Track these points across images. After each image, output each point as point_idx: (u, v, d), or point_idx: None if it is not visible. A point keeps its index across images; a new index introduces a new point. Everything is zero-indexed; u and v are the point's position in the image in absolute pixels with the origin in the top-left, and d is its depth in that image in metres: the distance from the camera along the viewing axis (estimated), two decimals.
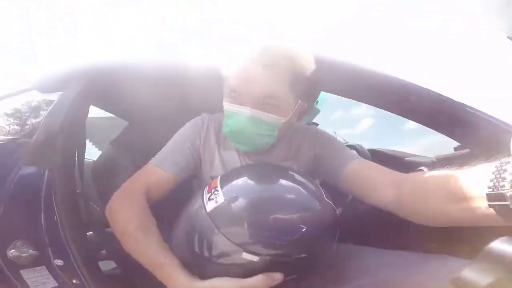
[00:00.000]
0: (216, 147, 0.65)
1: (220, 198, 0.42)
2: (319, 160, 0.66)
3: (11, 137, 0.79)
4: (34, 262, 0.56)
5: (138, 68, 0.79)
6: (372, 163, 0.60)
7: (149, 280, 0.47)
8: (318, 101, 1.40)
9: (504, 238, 0.21)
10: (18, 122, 0.97)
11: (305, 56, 0.55)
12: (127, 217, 0.52)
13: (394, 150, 1.18)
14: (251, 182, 0.47)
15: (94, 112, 1.06)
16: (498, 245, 0.21)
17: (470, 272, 0.22)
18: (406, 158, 1.07)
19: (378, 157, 1.21)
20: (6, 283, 0.56)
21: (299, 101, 0.59)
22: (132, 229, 0.50)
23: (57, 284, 0.57)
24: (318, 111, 1.63)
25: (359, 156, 0.64)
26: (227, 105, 0.56)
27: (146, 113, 1.06)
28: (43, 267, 0.55)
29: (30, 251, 0.55)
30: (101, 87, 0.85)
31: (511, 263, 0.20)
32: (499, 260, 0.21)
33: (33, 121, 0.93)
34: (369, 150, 1.29)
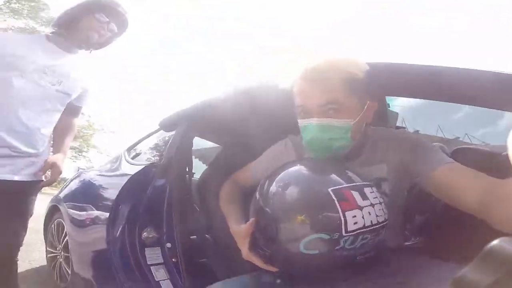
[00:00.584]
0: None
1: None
2: (407, 164, 0.65)
3: (150, 163, 1.22)
4: (154, 243, 0.86)
5: (225, 104, 1.04)
6: (462, 167, 0.58)
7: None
8: (389, 105, 1.36)
9: (504, 238, 0.22)
10: (156, 152, 1.46)
11: (350, 62, 0.61)
12: (224, 188, 0.84)
13: (487, 145, 1.02)
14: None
15: (197, 141, 1.44)
16: (498, 245, 0.21)
17: (470, 272, 0.22)
18: (503, 153, 0.91)
19: (471, 155, 1.05)
20: (134, 255, 0.89)
21: (368, 102, 0.62)
22: (222, 193, 0.83)
23: (162, 261, 0.85)
24: (396, 114, 1.55)
25: (450, 159, 0.61)
26: (299, 122, 0.64)
27: (235, 138, 1.34)
28: (158, 248, 0.86)
29: (154, 235, 0.86)
30: (199, 124, 1.19)
31: (511, 263, 0.20)
32: (499, 260, 0.21)
33: (162, 150, 1.37)
34: (461, 148, 1.13)
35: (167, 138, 1.42)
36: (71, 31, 1.04)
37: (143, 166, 1.13)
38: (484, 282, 0.20)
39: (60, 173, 1.03)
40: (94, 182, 1.57)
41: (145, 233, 0.86)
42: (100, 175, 1.65)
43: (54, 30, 1.07)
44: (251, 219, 0.59)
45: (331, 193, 0.48)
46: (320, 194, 0.49)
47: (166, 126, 1.29)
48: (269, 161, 0.79)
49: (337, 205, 0.47)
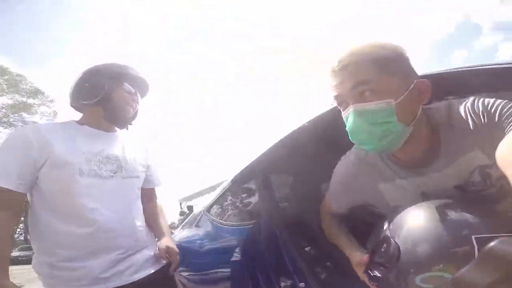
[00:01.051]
0: (376, 178, 0.70)
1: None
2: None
3: (254, 221, 1.25)
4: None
5: (297, 142, 1.09)
6: None
7: None
8: None
9: (504, 238, 0.21)
10: (241, 207, 1.52)
11: (377, 44, 0.57)
12: (324, 225, 0.85)
13: None
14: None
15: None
16: (498, 245, 0.21)
17: (470, 272, 0.22)
18: None
19: None
20: None
21: (414, 80, 0.56)
22: (326, 230, 0.84)
23: None
24: None
25: None
26: (342, 115, 0.61)
27: (305, 167, 1.36)
28: None
29: (288, 281, 0.90)
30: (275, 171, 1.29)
31: (511, 263, 0.20)
32: (499, 260, 0.20)
33: (245, 204, 1.46)
34: None
35: (242, 193, 1.49)
36: (105, 108, 0.92)
37: (245, 225, 1.24)
38: (484, 282, 0.20)
39: (177, 253, 1.00)
40: (188, 250, 1.60)
41: (282, 283, 0.95)
42: (188, 241, 1.73)
43: (75, 106, 0.96)
44: (367, 255, 0.60)
45: (473, 241, 0.44)
46: (462, 242, 0.45)
47: (239, 181, 1.40)
48: (341, 183, 0.77)
49: (476, 253, 0.43)
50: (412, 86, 0.55)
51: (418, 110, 0.57)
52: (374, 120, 0.54)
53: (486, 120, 0.53)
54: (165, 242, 0.99)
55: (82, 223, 0.81)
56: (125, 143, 0.99)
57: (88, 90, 0.91)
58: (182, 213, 6.21)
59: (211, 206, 1.72)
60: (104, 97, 0.90)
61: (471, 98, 0.58)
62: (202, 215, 1.77)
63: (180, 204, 8.61)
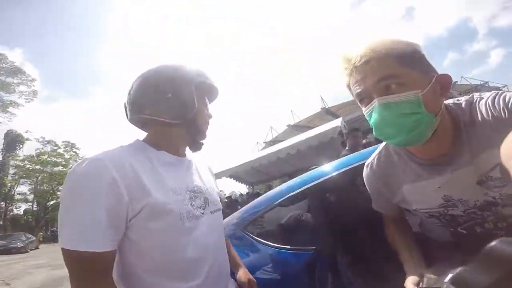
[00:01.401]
0: (393, 182, 0.73)
1: None
2: None
3: (314, 248, 1.16)
4: None
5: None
6: None
7: None
8: None
9: (504, 238, 0.21)
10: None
11: (396, 40, 0.58)
12: (386, 227, 0.84)
13: None
14: None
15: None
16: (498, 245, 0.21)
17: (470, 272, 0.22)
18: None
19: None
20: None
21: (435, 75, 0.57)
22: (389, 232, 0.82)
23: None
24: None
25: None
26: (364, 111, 0.60)
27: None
28: None
29: None
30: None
31: (511, 263, 0.20)
32: (499, 260, 0.20)
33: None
34: None
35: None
36: (188, 128, 0.75)
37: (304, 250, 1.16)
38: (484, 282, 0.20)
39: (255, 283, 0.90)
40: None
41: None
42: None
43: (141, 121, 0.76)
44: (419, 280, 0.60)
45: None
46: None
47: (286, 204, 1.39)
48: (372, 189, 0.80)
49: None
50: (434, 79, 0.57)
51: (441, 103, 0.58)
52: (402, 111, 0.55)
53: (507, 115, 0.54)
54: (245, 274, 0.89)
55: (189, 277, 0.67)
56: (198, 168, 0.83)
57: (175, 106, 0.71)
58: None
59: (250, 222, 1.39)
60: (193, 116, 0.73)
61: (493, 93, 0.59)
62: (234, 231, 1.39)
63: None
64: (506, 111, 0.54)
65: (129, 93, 0.74)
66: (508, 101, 0.55)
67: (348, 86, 0.63)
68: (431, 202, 0.68)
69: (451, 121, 0.61)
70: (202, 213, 0.73)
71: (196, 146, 0.79)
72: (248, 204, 1.49)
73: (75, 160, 24.62)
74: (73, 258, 0.56)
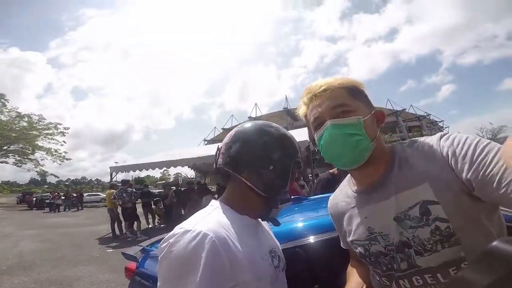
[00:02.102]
0: (340, 215, 0.79)
1: None
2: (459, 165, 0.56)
3: None
4: None
5: None
6: None
7: None
8: None
9: (504, 238, 0.21)
10: None
11: (346, 77, 0.70)
12: (349, 265, 0.89)
13: None
14: None
15: None
16: (498, 245, 0.21)
17: (470, 272, 0.21)
18: None
19: None
20: None
21: (373, 109, 0.68)
22: (348, 269, 0.88)
23: None
24: None
25: None
26: (316, 135, 0.70)
27: None
28: None
29: None
30: None
31: (511, 263, 0.20)
32: (499, 260, 0.20)
33: None
34: None
35: None
36: (270, 198, 0.71)
37: None
38: (484, 282, 0.20)
39: None
40: None
41: None
42: None
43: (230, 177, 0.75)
44: None
45: None
46: None
47: None
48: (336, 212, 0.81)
49: None
50: (372, 112, 0.68)
51: (377, 132, 0.67)
52: (348, 131, 0.64)
53: (442, 156, 0.60)
54: None
55: None
56: (264, 226, 0.81)
57: (271, 180, 0.70)
58: None
59: None
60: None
61: (439, 134, 0.64)
62: None
63: None
64: (443, 152, 0.60)
65: (228, 145, 0.74)
66: (450, 142, 0.60)
67: (305, 115, 0.73)
68: (358, 233, 0.72)
69: (389, 155, 0.69)
70: (278, 272, 0.73)
71: (267, 217, 0.75)
72: None
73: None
74: None
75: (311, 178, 8.07)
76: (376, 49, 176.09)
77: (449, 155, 0.59)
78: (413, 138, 0.70)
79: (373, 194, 0.69)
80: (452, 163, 0.58)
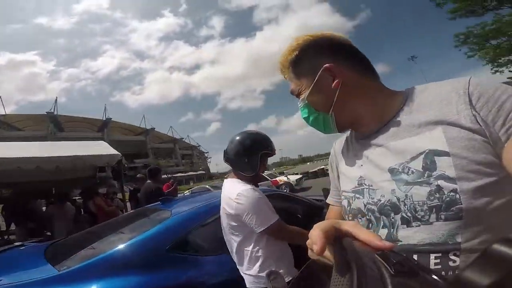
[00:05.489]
0: (339, 159, 0.70)
1: None
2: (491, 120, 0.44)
3: None
4: None
5: None
6: None
7: None
8: None
9: (504, 238, 0.21)
10: None
11: (288, 47, 0.63)
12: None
13: None
14: None
15: None
16: (498, 245, 0.20)
17: (470, 272, 0.20)
18: None
19: None
20: None
21: (321, 68, 0.57)
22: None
23: None
24: None
25: None
26: None
27: None
28: None
29: None
30: None
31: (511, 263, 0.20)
32: (499, 260, 0.20)
33: None
34: None
35: None
36: (253, 178, 1.30)
37: None
38: (484, 282, 0.19)
39: None
40: None
41: None
42: None
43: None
44: None
45: None
46: None
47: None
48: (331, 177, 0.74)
49: None
50: (317, 76, 0.58)
51: (334, 93, 0.58)
52: (304, 116, 0.64)
53: (469, 101, 0.46)
54: None
55: None
56: None
57: (247, 168, 1.26)
58: None
59: (177, 243, 1.54)
60: (255, 175, 1.29)
61: (469, 77, 0.50)
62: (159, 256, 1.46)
63: None
64: (467, 95, 0.47)
65: (227, 151, 1.31)
66: (474, 86, 0.48)
67: None
68: (348, 183, 0.62)
69: (398, 98, 0.57)
70: None
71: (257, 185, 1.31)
72: (154, 232, 1.55)
73: None
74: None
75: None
76: (176, 78, 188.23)
77: (480, 102, 0.45)
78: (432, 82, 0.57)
79: (374, 140, 0.58)
80: (482, 112, 0.45)
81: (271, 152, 1.30)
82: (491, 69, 15.44)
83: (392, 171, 0.52)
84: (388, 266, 0.25)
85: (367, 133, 0.60)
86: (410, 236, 0.49)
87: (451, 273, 0.45)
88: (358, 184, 0.59)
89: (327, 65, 0.58)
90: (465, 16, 14.22)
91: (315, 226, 0.33)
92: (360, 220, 0.58)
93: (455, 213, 0.45)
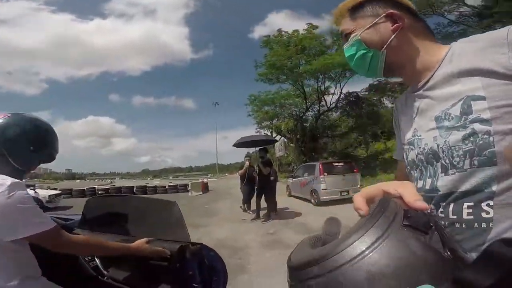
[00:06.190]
0: (399, 114, 0.73)
1: None
2: None
3: None
4: None
5: None
6: None
7: None
8: None
9: (504, 238, 0.22)
10: None
11: (344, 1, 0.70)
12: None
13: None
14: None
15: None
16: (498, 245, 0.20)
17: (470, 272, 0.20)
18: None
19: None
20: None
21: (384, 13, 0.63)
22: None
23: None
24: None
25: None
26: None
27: None
28: None
29: None
30: None
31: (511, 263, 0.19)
32: (499, 260, 0.20)
33: None
34: None
35: None
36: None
37: None
38: (484, 282, 0.19)
39: None
40: None
41: None
42: None
43: None
44: None
45: None
46: None
47: None
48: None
49: None
50: (378, 18, 0.64)
51: (389, 35, 0.62)
52: (352, 52, 0.67)
53: (507, 48, 0.49)
54: None
55: None
56: None
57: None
58: None
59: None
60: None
61: (509, 26, 0.51)
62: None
63: None
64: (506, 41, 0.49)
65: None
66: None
67: None
68: (405, 136, 0.67)
69: (443, 52, 0.60)
70: None
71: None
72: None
73: None
74: None
75: None
76: None
77: None
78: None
79: (421, 92, 0.62)
80: None
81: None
82: (256, 129, 20.77)
83: (437, 119, 0.57)
84: (403, 218, 0.27)
85: (418, 85, 0.63)
86: (446, 185, 0.53)
87: (484, 225, 0.47)
88: (411, 136, 0.64)
89: (391, 10, 0.63)
90: (265, 82, 18.49)
91: (361, 190, 0.37)
92: (415, 172, 0.63)
93: (488, 158, 0.47)
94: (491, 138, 0.47)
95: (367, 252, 0.25)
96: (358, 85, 25.54)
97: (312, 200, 8.64)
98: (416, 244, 0.25)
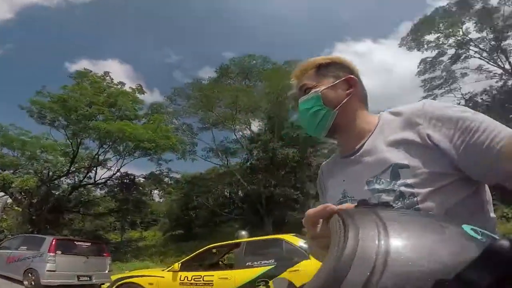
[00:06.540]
0: (326, 178, 0.81)
1: None
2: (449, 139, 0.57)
3: None
4: None
5: None
6: None
7: None
8: None
9: (504, 238, 0.21)
10: None
11: (319, 57, 0.76)
12: None
13: None
14: None
15: None
16: (498, 245, 0.20)
17: (470, 272, 0.21)
18: None
19: None
20: None
21: (345, 76, 0.72)
22: None
23: None
24: None
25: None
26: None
27: None
28: None
29: None
30: None
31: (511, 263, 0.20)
32: (499, 260, 0.20)
33: None
34: None
35: None
36: None
37: None
38: (484, 282, 0.20)
39: None
40: None
41: None
42: None
43: None
44: None
45: None
46: None
47: None
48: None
49: None
50: (338, 80, 0.72)
51: (343, 98, 0.70)
52: (307, 106, 0.72)
53: (424, 121, 0.60)
54: None
55: None
56: None
57: None
58: None
59: None
60: None
61: (424, 101, 0.65)
62: None
63: None
64: (426, 116, 0.61)
65: None
66: (434, 107, 0.62)
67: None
68: (334, 197, 0.72)
69: (374, 121, 0.71)
70: None
71: None
72: None
73: None
74: None
75: None
76: None
77: (432, 121, 0.59)
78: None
79: (353, 158, 0.69)
80: (431, 129, 0.59)
81: None
82: None
83: (368, 183, 0.64)
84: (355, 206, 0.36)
85: (350, 151, 0.71)
86: None
87: None
88: (342, 197, 0.69)
89: (351, 76, 0.72)
90: (32, 116, 14.22)
91: (306, 213, 0.44)
92: None
93: None
94: (415, 199, 0.56)
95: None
96: (139, 169, 25.28)
97: (26, 282, 6.96)
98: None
